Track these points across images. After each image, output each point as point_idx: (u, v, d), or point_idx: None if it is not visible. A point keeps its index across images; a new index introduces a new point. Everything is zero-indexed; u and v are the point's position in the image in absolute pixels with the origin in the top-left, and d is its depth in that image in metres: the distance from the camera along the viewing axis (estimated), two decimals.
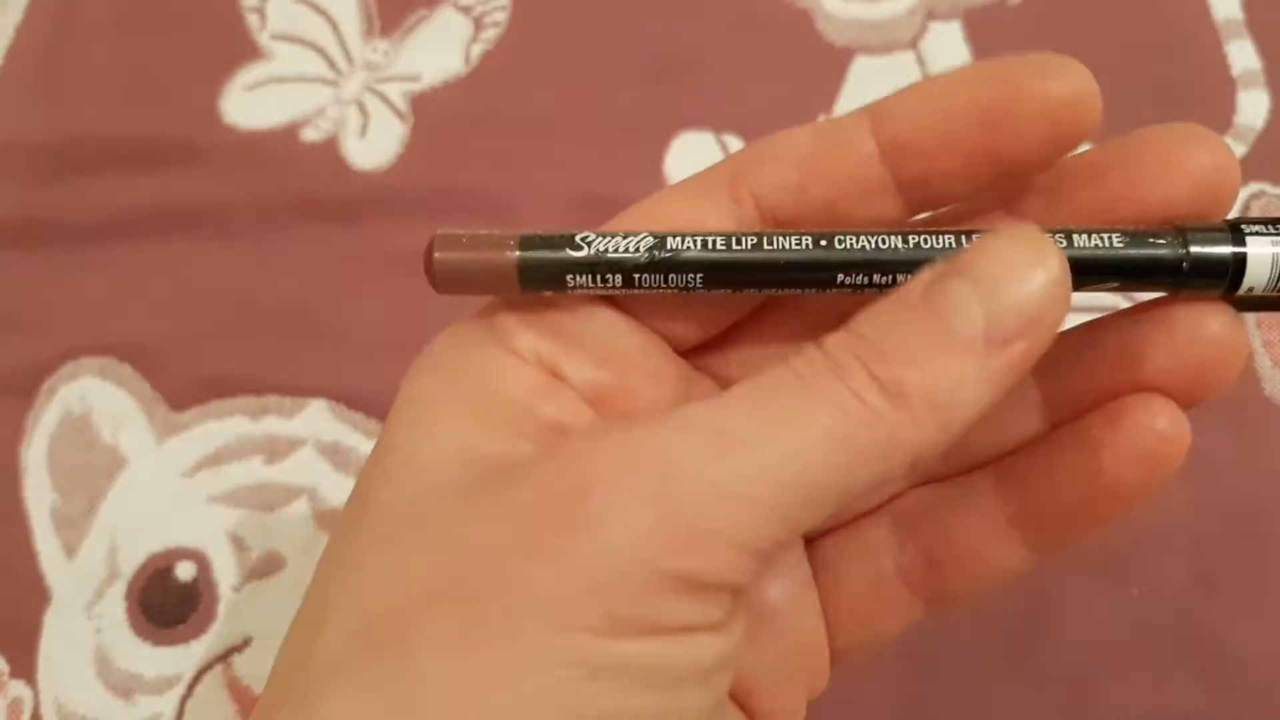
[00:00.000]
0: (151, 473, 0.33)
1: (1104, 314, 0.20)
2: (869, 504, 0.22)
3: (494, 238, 0.18)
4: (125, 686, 0.31)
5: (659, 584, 0.16)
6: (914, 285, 0.17)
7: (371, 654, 0.16)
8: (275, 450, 0.33)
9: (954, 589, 0.21)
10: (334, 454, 0.33)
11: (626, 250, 0.18)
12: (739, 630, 0.17)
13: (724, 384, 0.21)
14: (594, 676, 0.15)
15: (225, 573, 0.32)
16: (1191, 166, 0.18)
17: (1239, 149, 0.35)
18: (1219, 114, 0.36)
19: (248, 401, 0.34)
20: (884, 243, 0.18)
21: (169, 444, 0.33)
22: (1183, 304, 0.18)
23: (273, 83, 0.38)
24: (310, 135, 0.37)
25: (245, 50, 0.39)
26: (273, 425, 0.34)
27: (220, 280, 0.36)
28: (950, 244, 0.18)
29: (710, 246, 0.18)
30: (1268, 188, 0.35)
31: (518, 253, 0.18)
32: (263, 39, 0.39)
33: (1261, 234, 0.18)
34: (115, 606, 0.32)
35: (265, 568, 0.32)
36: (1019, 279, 0.16)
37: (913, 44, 0.38)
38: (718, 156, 0.37)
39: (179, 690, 0.31)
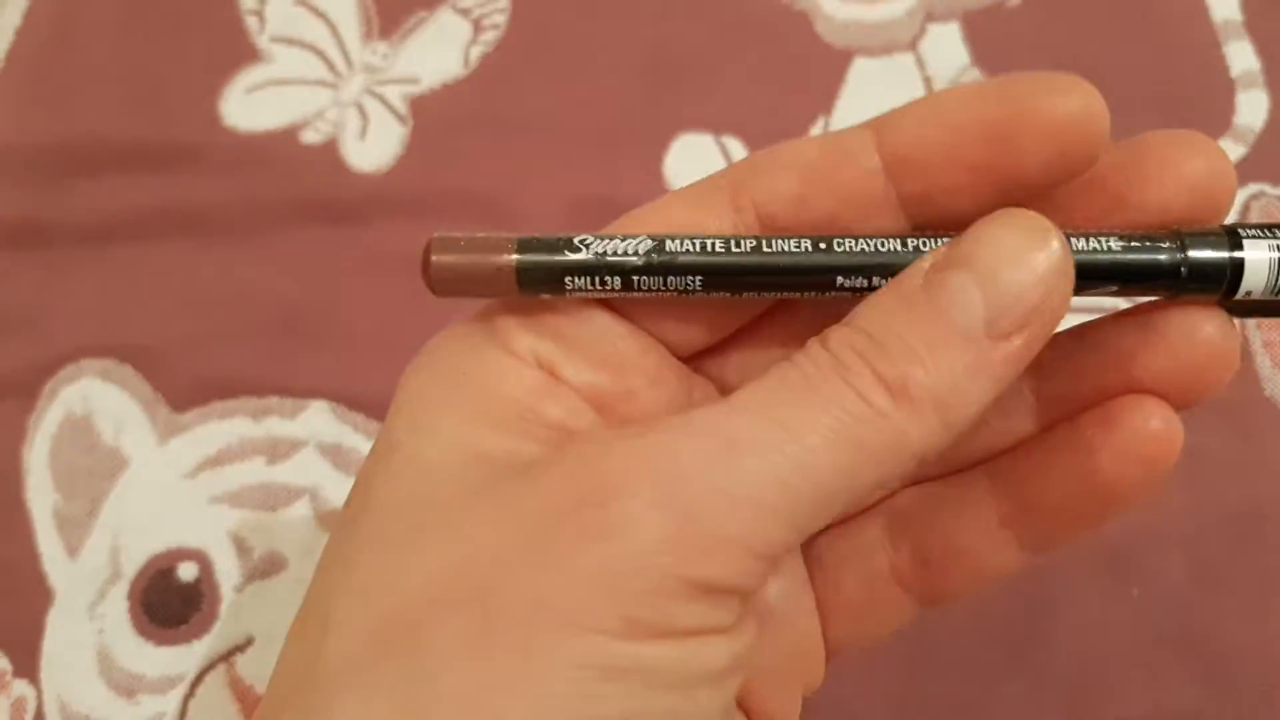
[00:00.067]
0: (153, 473, 0.33)
1: (1098, 316, 0.20)
2: (866, 502, 0.22)
3: (492, 240, 0.18)
4: (128, 686, 0.31)
5: (673, 589, 0.16)
6: (914, 274, 0.17)
7: (382, 657, 0.16)
8: (277, 451, 0.33)
9: (947, 588, 0.21)
10: (335, 455, 0.33)
11: (625, 253, 0.18)
12: (749, 632, 0.18)
13: (723, 387, 0.21)
14: (609, 678, 0.16)
15: (227, 573, 0.32)
16: (1188, 173, 0.18)
17: (1238, 150, 0.35)
18: (1218, 115, 0.36)
19: (249, 403, 0.34)
20: (883, 245, 0.18)
21: (171, 445, 0.34)
22: (1176, 307, 0.19)
23: (272, 85, 0.38)
24: (310, 137, 0.37)
25: (245, 53, 0.39)
26: (274, 426, 0.34)
27: (221, 282, 0.36)
28: None
29: (709, 249, 0.18)
30: (1267, 188, 0.35)
31: (516, 255, 0.18)
32: (262, 41, 0.39)
33: (1259, 238, 0.18)
34: (118, 606, 0.32)
35: (267, 568, 0.32)
36: (1019, 267, 0.16)
37: (911, 45, 0.38)
38: (717, 158, 0.37)
39: (182, 690, 0.31)
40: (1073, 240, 0.18)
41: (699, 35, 0.39)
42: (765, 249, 0.18)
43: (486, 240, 0.18)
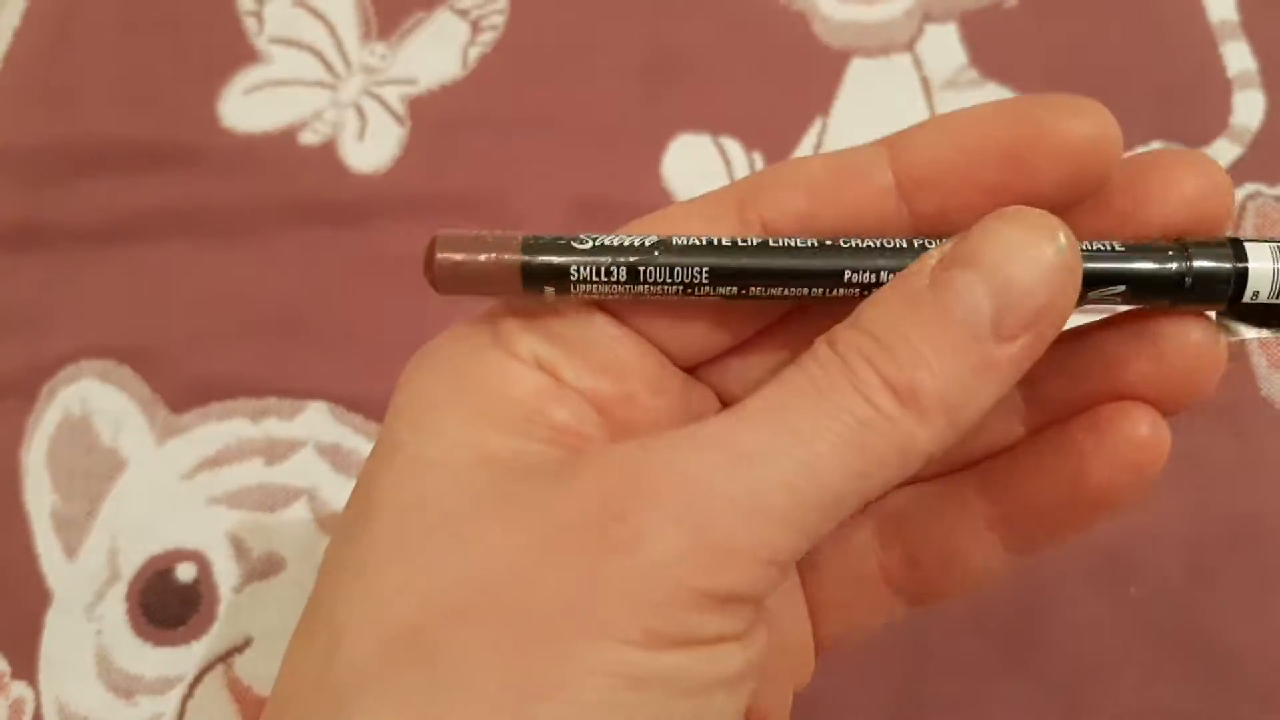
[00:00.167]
0: (152, 474, 0.33)
1: (1085, 322, 0.20)
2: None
3: (496, 237, 0.18)
4: (126, 687, 0.31)
5: (691, 600, 0.16)
6: (920, 272, 0.17)
7: (399, 666, 0.16)
8: (275, 452, 0.33)
9: (935, 588, 0.21)
10: (334, 455, 0.33)
11: (631, 244, 0.18)
12: (762, 637, 0.18)
13: (723, 394, 0.21)
14: (633, 688, 0.16)
15: (226, 574, 0.32)
16: (1189, 189, 0.18)
17: (1235, 150, 0.36)
18: (1215, 115, 0.36)
19: (247, 404, 0.34)
20: (889, 243, 0.18)
21: (169, 446, 0.34)
22: (1164, 314, 0.19)
23: (270, 86, 0.39)
24: (308, 138, 0.38)
25: (243, 54, 0.39)
26: (272, 427, 0.34)
27: (220, 283, 0.36)
28: None
29: (716, 244, 0.18)
30: (1264, 188, 0.35)
31: (520, 248, 0.18)
32: (260, 42, 0.39)
33: (1261, 242, 0.18)
34: (116, 607, 0.32)
35: (265, 569, 0.32)
36: (1027, 266, 0.16)
37: (909, 46, 0.38)
38: (715, 159, 0.37)
39: (180, 691, 0.31)
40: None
41: (697, 36, 0.39)
42: (773, 244, 0.18)
43: (491, 236, 0.18)
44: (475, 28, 0.39)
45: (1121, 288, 0.18)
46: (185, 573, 0.32)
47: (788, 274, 0.18)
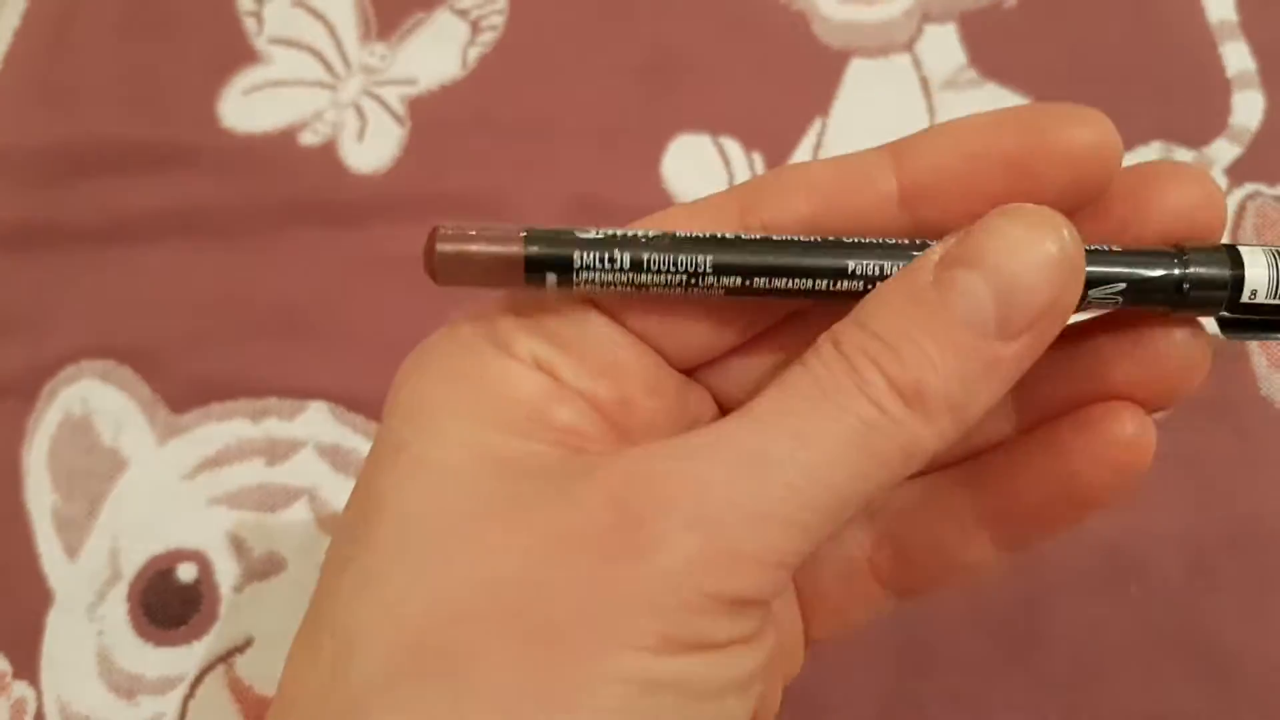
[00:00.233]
0: (152, 475, 0.33)
1: (1074, 321, 0.20)
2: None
3: (497, 226, 0.18)
4: (127, 687, 0.31)
5: (704, 605, 0.16)
6: (924, 269, 0.17)
7: (416, 674, 0.16)
8: (275, 452, 0.33)
9: (922, 583, 0.21)
10: (334, 455, 0.33)
11: (635, 234, 0.18)
12: (770, 638, 0.18)
13: (720, 396, 0.21)
14: (649, 692, 0.16)
15: (226, 574, 0.32)
16: (1184, 200, 0.18)
17: (1234, 150, 0.36)
18: (1214, 115, 0.36)
19: (248, 404, 0.34)
20: (892, 240, 0.18)
21: (170, 446, 0.34)
22: (1154, 318, 0.19)
23: (270, 86, 0.39)
24: (308, 139, 0.38)
25: (243, 54, 0.39)
26: (273, 427, 0.34)
27: (220, 283, 0.36)
28: None
29: (720, 236, 0.18)
30: (1263, 188, 0.35)
31: (522, 237, 0.18)
32: (260, 43, 0.39)
33: (1256, 248, 0.18)
34: (117, 607, 0.32)
35: (266, 569, 0.32)
36: (1030, 264, 0.16)
37: (908, 46, 0.38)
38: (715, 159, 0.37)
39: (181, 690, 0.31)
40: None
41: (697, 36, 0.39)
42: (776, 239, 0.18)
43: (492, 226, 0.18)
44: (475, 28, 0.39)
45: (1121, 285, 0.18)
46: (186, 573, 0.32)
47: (791, 268, 0.18)
